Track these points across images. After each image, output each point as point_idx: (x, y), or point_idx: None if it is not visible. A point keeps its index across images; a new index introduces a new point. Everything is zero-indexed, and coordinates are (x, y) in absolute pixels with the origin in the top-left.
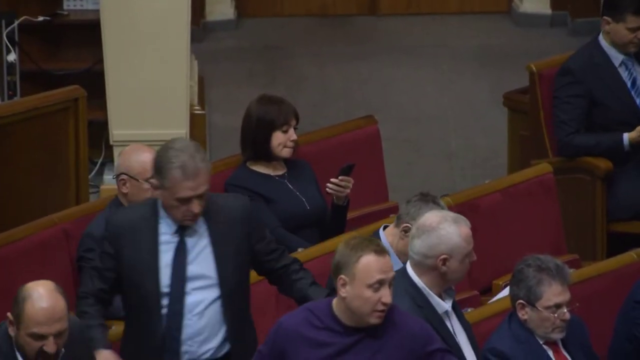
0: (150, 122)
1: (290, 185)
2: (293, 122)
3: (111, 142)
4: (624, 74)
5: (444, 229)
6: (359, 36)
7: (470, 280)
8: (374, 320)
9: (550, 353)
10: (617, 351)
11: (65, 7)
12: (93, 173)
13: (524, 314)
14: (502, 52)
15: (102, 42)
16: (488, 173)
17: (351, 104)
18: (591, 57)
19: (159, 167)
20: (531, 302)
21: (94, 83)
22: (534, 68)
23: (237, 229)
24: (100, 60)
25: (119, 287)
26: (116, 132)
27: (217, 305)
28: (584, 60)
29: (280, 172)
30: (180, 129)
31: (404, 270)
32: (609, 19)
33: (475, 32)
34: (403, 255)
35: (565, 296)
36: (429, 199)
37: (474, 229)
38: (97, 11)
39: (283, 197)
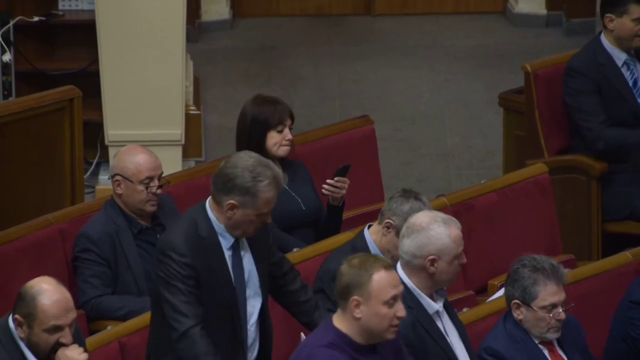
0: (145, 123)
1: (285, 186)
2: (288, 122)
3: (106, 143)
4: (626, 74)
5: (434, 230)
6: (355, 36)
7: (465, 280)
8: (390, 335)
9: (546, 352)
10: (612, 351)
11: (60, 7)
12: (88, 173)
13: (519, 313)
14: (497, 52)
15: (97, 42)
16: (484, 173)
17: (347, 103)
18: (594, 56)
19: (243, 188)
20: (526, 302)
21: (90, 83)
22: (529, 68)
23: (267, 239)
24: (95, 60)
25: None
26: (111, 132)
27: (257, 315)
28: (587, 59)
29: None
30: (175, 129)
31: None
32: (611, 15)
33: (471, 32)
34: (387, 252)
35: (560, 296)
36: (410, 195)
37: (469, 229)
38: (93, 11)
39: (279, 197)
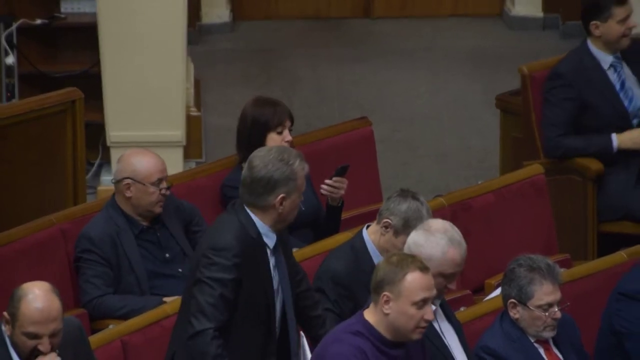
0: (146, 124)
1: None
2: (288, 124)
3: (108, 144)
4: (613, 76)
5: (435, 238)
6: (354, 38)
7: (462, 279)
8: (416, 336)
9: (542, 351)
10: (601, 346)
11: (63, 10)
12: (90, 174)
13: (516, 313)
14: (494, 55)
15: (99, 45)
16: (481, 174)
17: (345, 105)
18: (581, 61)
19: (284, 178)
20: (522, 301)
21: (92, 85)
22: (526, 70)
23: (288, 242)
24: (97, 62)
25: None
26: (113, 133)
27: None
28: (573, 64)
29: None
30: (176, 131)
31: None
32: (597, 22)
33: (468, 34)
34: (385, 252)
35: (556, 295)
36: (407, 194)
37: (466, 229)
38: (94, 14)
39: None
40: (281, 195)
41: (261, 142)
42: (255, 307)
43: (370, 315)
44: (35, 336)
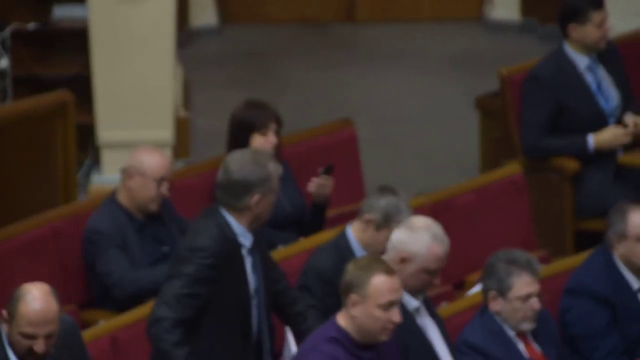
0: (136, 125)
1: None
2: (273, 126)
3: (99, 144)
4: (589, 78)
5: (420, 235)
6: (339, 43)
7: (444, 275)
8: (383, 337)
9: (521, 346)
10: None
11: (55, 15)
12: (81, 174)
13: (496, 305)
14: (474, 58)
15: (90, 49)
16: (462, 173)
17: (332, 108)
18: (557, 64)
19: (261, 179)
20: (502, 293)
21: (83, 88)
22: (505, 73)
23: (264, 242)
24: (88, 65)
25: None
26: (103, 134)
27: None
28: (550, 67)
29: None
30: (165, 131)
31: None
32: (574, 24)
33: (449, 38)
34: (369, 247)
35: (534, 286)
36: (386, 190)
37: (448, 227)
38: (86, 19)
39: None
40: (257, 196)
41: (246, 143)
42: (231, 308)
43: (342, 318)
44: (31, 336)
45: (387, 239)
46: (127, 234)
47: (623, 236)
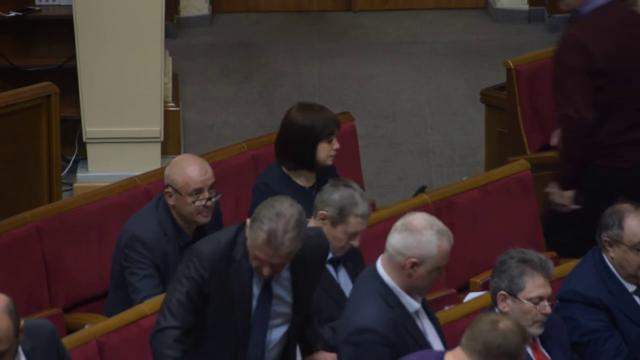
0: (124, 119)
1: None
2: (336, 131)
3: (84, 140)
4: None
5: (426, 236)
6: (335, 32)
7: (447, 277)
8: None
9: (530, 351)
10: None
11: (37, 2)
12: (66, 171)
13: (505, 306)
14: (479, 48)
15: (74, 38)
16: (465, 170)
17: (327, 100)
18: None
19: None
20: (513, 293)
21: (67, 80)
22: (511, 64)
23: (313, 269)
24: (73, 56)
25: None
26: (89, 129)
27: (284, 339)
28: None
29: (311, 183)
30: (154, 126)
31: (373, 269)
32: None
33: (452, 28)
34: (335, 240)
35: (547, 289)
36: (339, 183)
37: (451, 227)
38: (70, 7)
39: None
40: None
41: (312, 152)
42: (228, 328)
43: None
44: None
45: (345, 233)
46: (168, 252)
47: (617, 242)
